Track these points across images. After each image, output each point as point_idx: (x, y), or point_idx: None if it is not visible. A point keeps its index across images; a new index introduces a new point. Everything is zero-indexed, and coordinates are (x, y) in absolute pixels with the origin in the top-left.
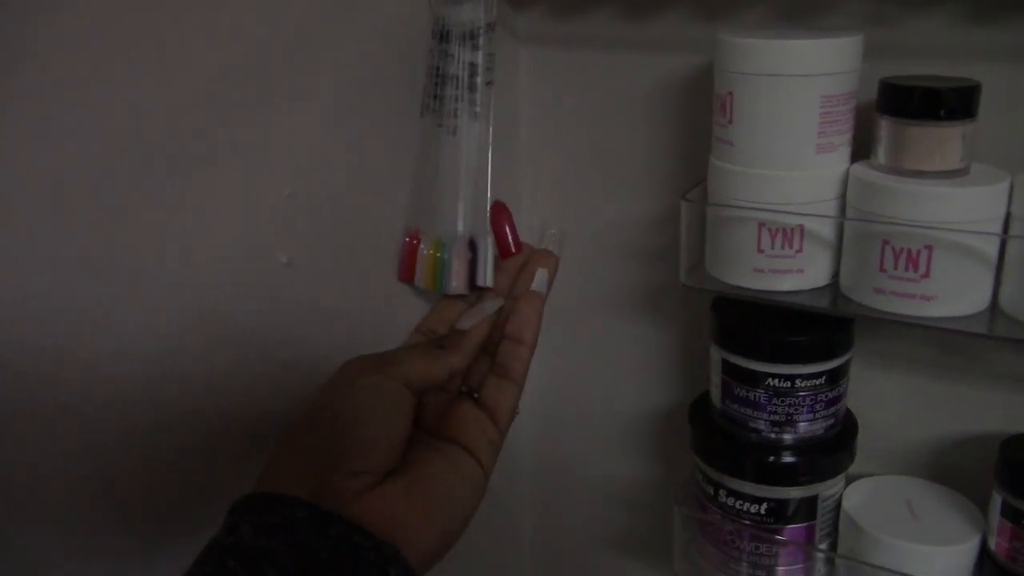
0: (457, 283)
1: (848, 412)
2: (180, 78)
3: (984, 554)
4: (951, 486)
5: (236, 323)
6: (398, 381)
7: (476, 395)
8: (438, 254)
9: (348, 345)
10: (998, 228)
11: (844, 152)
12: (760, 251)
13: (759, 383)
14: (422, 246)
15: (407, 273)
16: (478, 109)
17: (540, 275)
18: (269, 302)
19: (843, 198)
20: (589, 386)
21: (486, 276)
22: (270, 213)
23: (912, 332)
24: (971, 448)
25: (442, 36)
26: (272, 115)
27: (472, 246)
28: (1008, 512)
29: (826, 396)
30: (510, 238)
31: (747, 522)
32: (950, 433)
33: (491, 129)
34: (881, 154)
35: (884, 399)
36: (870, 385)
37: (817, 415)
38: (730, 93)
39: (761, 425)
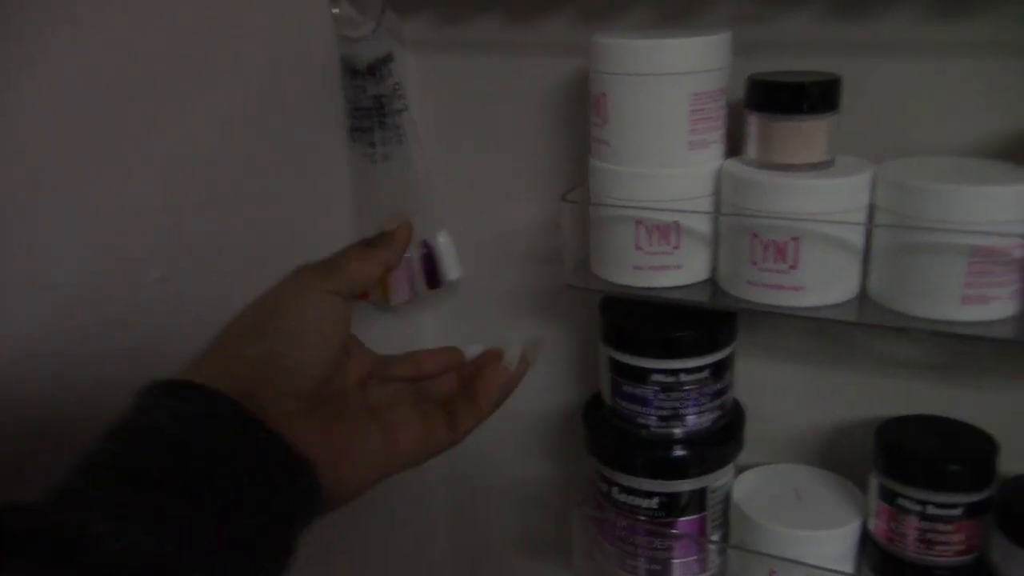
0: (400, 292)
1: (736, 403)
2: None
3: (865, 536)
4: (837, 471)
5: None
6: (345, 291)
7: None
8: None
9: None
10: (862, 218)
11: (717, 149)
12: (639, 249)
13: (645, 379)
14: None
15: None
16: (397, 134)
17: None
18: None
19: (718, 194)
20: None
21: (454, 270)
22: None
23: (792, 323)
24: (853, 433)
25: (352, 72)
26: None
27: (426, 245)
28: (885, 495)
29: (711, 389)
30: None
31: (641, 517)
32: (833, 420)
33: (414, 151)
34: (751, 149)
35: (770, 390)
36: (756, 377)
37: (703, 408)
38: (603, 94)
39: (650, 420)
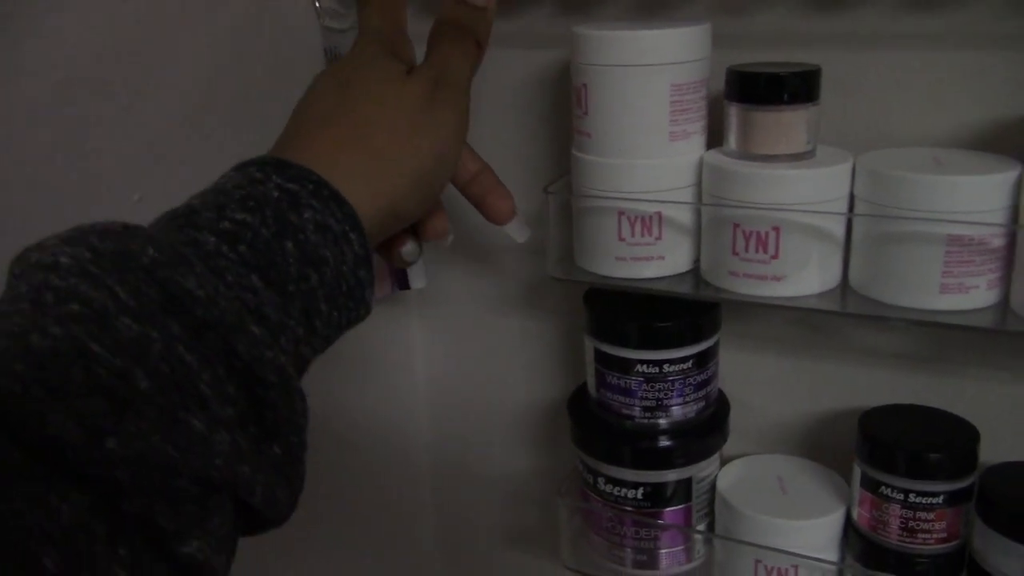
0: (382, 287)
1: (721, 394)
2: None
3: (849, 524)
4: (821, 461)
5: None
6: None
7: None
8: None
9: None
10: (842, 208)
11: (698, 140)
12: (621, 239)
13: (629, 370)
14: None
15: None
16: None
17: None
18: None
19: (700, 185)
20: (479, 384)
21: (419, 277)
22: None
23: (775, 314)
24: (837, 423)
25: (335, 58)
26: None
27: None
28: (868, 483)
29: (695, 379)
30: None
31: (628, 508)
32: (818, 410)
33: None
34: (732, 140)
35: (755, 381)
36: (741, 368)
37: (688, 398)
38: (584, 85)
39: (635, 411)
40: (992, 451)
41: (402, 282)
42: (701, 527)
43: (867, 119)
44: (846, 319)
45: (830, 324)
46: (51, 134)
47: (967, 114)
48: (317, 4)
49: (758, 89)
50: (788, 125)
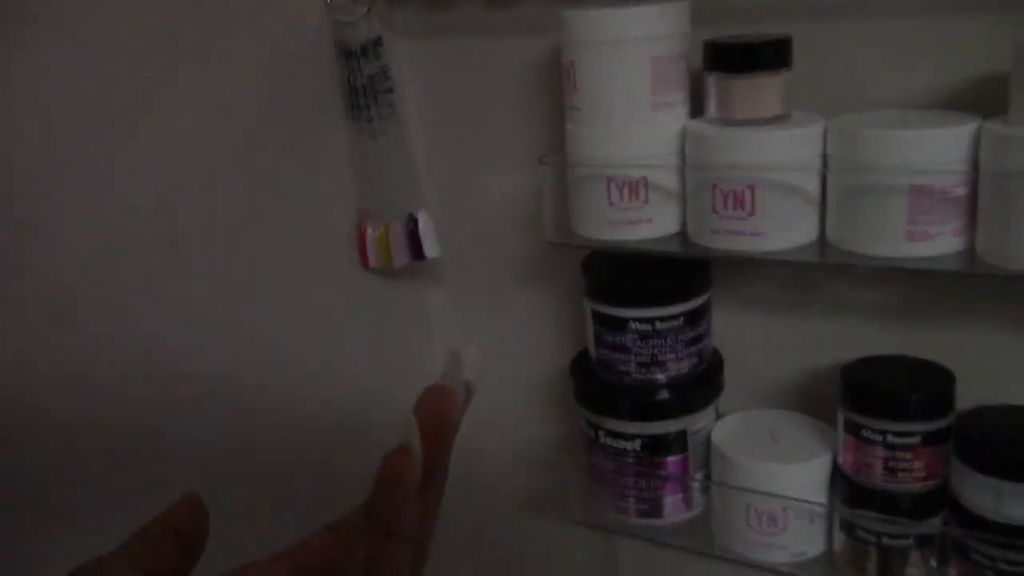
0: (400, 256)
1: (714, 351)
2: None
3: (835, 469)
4: (811, 413)
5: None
6: None
7: None
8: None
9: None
10: (814, 166)
11: (680, 110)
12: (611, 204)
13: (624, 328)
14: (370, 230)
15: (365, 259)
16: (388, 111)
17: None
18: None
19: (683, 152)
20: (490, 354)
21: (433, 246)
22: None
23: (763, 273)
24: (826, 376)
25: (346, 53)
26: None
27: (412, 220)
28: (851, 428)
29: (687, 336)
30: None
31: (628, 460)
32: (806, 365)
33: (403, 127)
34: (711, 108)
35: (747, 339)
36: (734, 327)
37: (680, 354)
38: (572, 61)
39: (631, 367)
40: (969, 396)
41: (416, 252)
42: (698, 476)
43: (840, 85)
44: (828, 276)
45: (814, 282)
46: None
47: (931, 77)
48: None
49: (732, 58)
50: (761, 90)
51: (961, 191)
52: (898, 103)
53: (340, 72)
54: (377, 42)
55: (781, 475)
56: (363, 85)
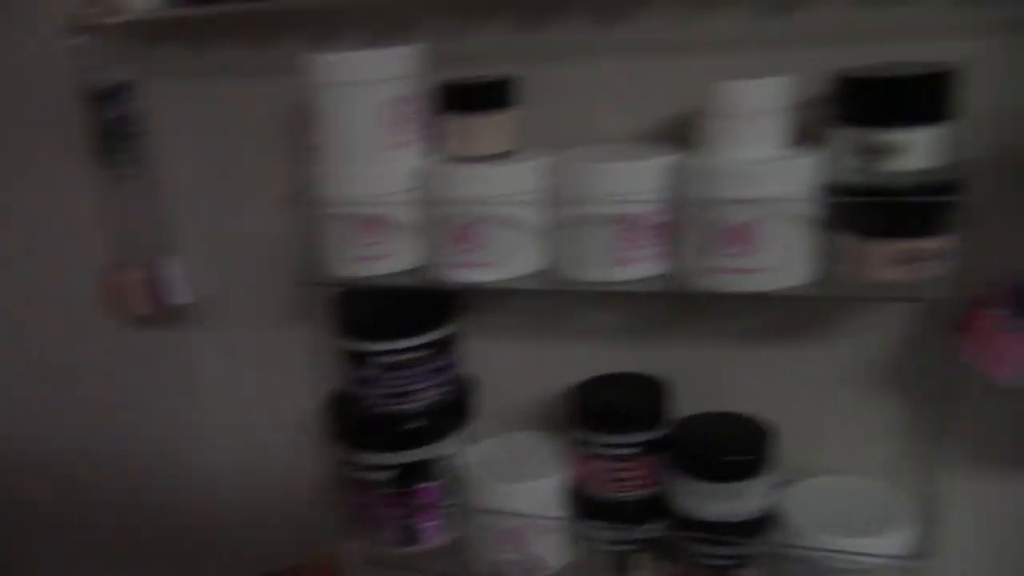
0: (143, 304)
1: (464, 379)
2: None
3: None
4: (561, 432)
5: None
6: None
7: None
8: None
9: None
10: (533, 200)
11: (416, 148)
12: (352, 242)
13: (368, 361)
14: (116, 279)
15: (115, 308)
16: (140, 156)
17: None
18: None
19: (422, 188)
20: (258, 393)
21: (184, 292)
22: None
23: (508, 303)
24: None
25: (92, 97)
26: None
27: (159, 266)
28: (577, 444)
29: (434, 365)
30: None
31: (383, 491)
32: (552, 385)
33: (152, 172)
34: (444, 146)
35: (499, 364)
36: (488, 354)
37: (429, 384)
38: (313, 102)
39: (379, 399)
40: (684, 405)
41: (165, 299)
42: (449, 501)
43: (571, 122)
44: (562, 305)
45: (552, 310)
46: None
47: (652, 113)
48: (74, 42)
49: (459, 98)
50: (488, 128)
51: (660, 219)
52: (621, 138)
53: (86, 117)
54: (126, 85)
55: (519, 494)
56: (110, 130)
